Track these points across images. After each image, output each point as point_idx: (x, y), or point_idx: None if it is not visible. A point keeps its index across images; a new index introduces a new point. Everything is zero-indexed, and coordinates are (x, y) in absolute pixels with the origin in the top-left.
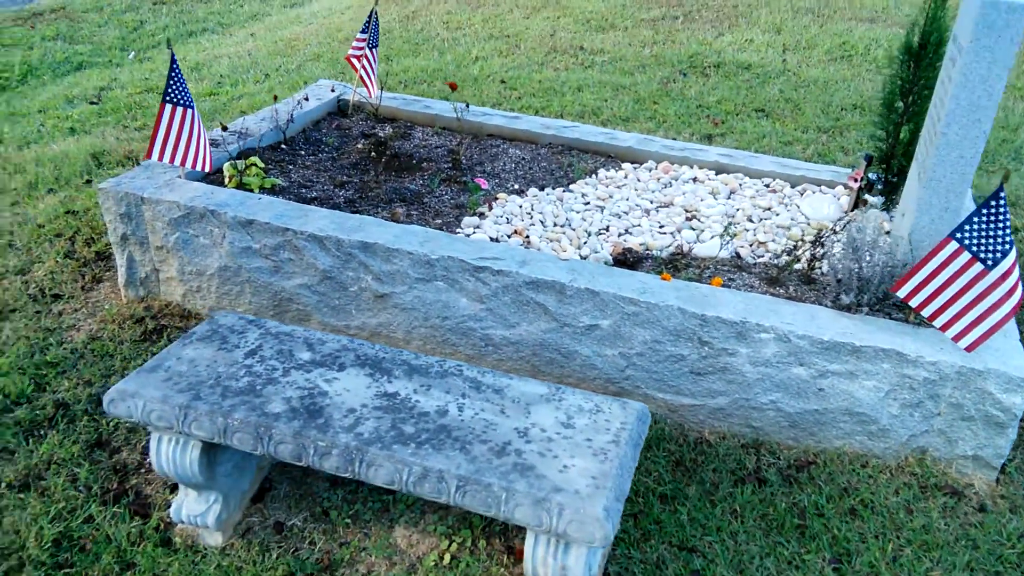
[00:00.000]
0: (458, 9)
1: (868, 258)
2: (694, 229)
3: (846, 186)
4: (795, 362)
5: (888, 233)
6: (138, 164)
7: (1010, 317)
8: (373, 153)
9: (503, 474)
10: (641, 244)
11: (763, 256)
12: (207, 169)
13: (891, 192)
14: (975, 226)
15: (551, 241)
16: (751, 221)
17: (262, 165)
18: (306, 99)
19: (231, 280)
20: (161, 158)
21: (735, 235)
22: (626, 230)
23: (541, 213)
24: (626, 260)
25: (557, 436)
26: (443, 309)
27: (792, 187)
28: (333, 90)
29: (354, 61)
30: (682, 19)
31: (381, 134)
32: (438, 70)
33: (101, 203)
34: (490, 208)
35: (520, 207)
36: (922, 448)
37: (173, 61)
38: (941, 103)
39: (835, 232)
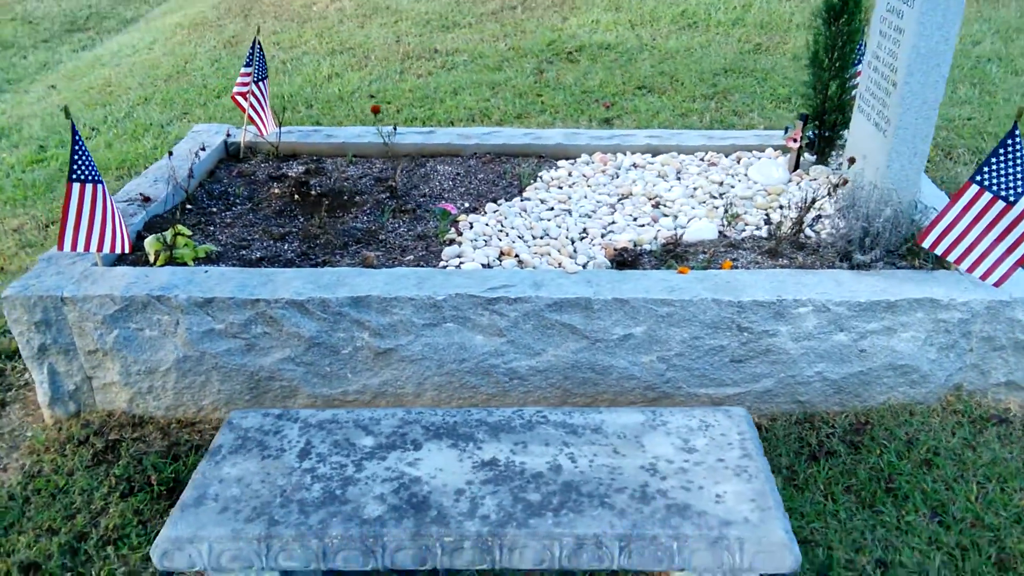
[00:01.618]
0: (283, 27)
1: (879, 214)
2: (667, 216)
3: (784, 148)
4: (835, 329)
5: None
6: (18, 261)
7: None
8: (296, 196)
9: (662, 521)
10: (630, 241)
11: (744, 230)
12: (127, 250)
13: (826, 147)
14: (993, 166)
15: (542, 256)
16: (714, 197)
17: (189, 232)
18: (202, 149)
19: (192, 371)
20: (75, 246)
21: (736, 216)
22: (606, 230)
23: (514, 228)
24: (624, 260)
25: (687, 464)
26: (459, 352)
27: (726, 157)
28: (229, 134)
29: (239, 99)
30: (520, 9)
31: (291, 173)
32: (295, 95)
33: (6, 314)
34: (459, 233)
35: (487, 225)
36: (958, 385)
37: (75, 132)
38: (891, 54)
39: (830, 194)
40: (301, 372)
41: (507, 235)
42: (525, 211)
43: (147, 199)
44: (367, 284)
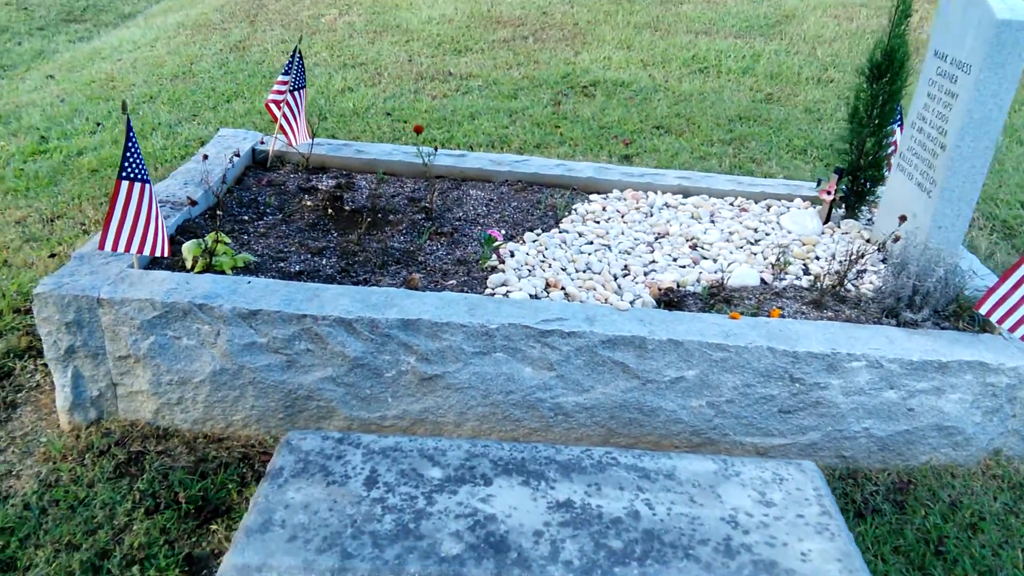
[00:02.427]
0: (291, 36)
1: (931, 274)
2: (706, 258)
3: (814, 199)
4: (886, 386)
5: (869, 241)
6: (53, 256)
7: None
8: (330, 210)
9: None
10: (674, 282)
11: (784, 279)
12: (167, 254)
13: (857, 202)
14: None
15: (588, 290)
16: (751, 243)
17: (228, 240)
18: (236, 155)
19: (227, 385)
20: (116, 247)
21: (788, 264)
22: (647, 268)
23: (556, 259)
24: (670, 301)
25: (767, 518)
26: (506, 383)
27: (755, 203)
28: (263, 142)
29: (273, 108)
30: (532, 39)
31: (322, 187)
32: (308, 105)
33: (36, 312)
34: (501, 261)
35: (528, 255)
36: (997, 449)
37: (129, 128)
38: (940, 117)
39: (879, 249)
40: (340, 393)
41: (550, 266)
42: (565, 243)
43: (194, 202)
44: (418, 307)
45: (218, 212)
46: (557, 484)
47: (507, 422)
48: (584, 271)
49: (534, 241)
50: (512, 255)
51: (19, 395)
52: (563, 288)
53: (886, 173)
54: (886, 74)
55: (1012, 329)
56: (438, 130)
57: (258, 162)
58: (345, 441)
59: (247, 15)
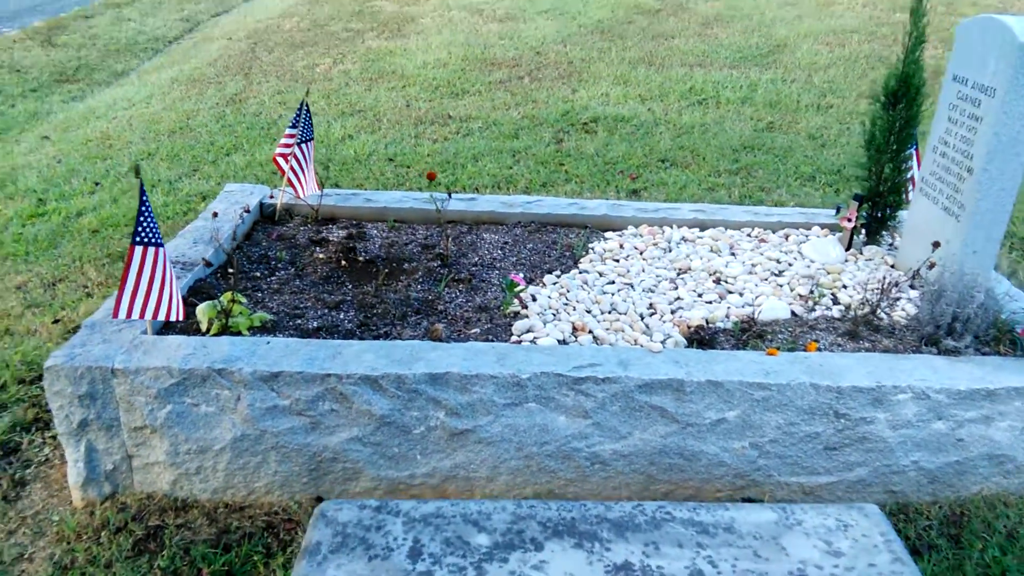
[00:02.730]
0: (287, 87)
1: (971, 299)
2: (731, 292)
3: (834, 227)
4: (934, 417)
5: (893, 267)
6: (56, 322)
7: None
8: (343, 262)
9: None
10: (703, 319)
11: (815, 310)
12: (181, 317)
13: (878, 228)
14: None
15: (615, 332)
16: (776, 275)
17: (243, 299)
18: (247, 210)
19: (249, 451)
20: (130, 314)
21: (822, 296)
22: (673, 305)
23: (580, 302)
24: (702, 339)
25: (837, 569)
26: (540, 434)
27: (773, 233)
28: (272, 196)
29: (280, 161)
30: (528, 79)
31: (332, 238)
32: None
33: (48, 386)
34: (523, 306)
35: (550, 298)
36: None
37: (142, 192)
38: (965, 141)
39: (914, 276)
40: (367, 453)
41: (574, 309)
42: (586, 284)
43: (209, 264)
44: (445, 360)
45: (230, 270)
46: (612, 545)
47: (542, 474)
48: (609, 312)
49: (554, 283)
50: (534, 299)
51: (28, 471)
52: (590, 331)
53: (905, 198)
54: (902, 100)
55: None
56: (443, 173)
57: (266, 216)
58: (383, 510)
59: (241, 68)
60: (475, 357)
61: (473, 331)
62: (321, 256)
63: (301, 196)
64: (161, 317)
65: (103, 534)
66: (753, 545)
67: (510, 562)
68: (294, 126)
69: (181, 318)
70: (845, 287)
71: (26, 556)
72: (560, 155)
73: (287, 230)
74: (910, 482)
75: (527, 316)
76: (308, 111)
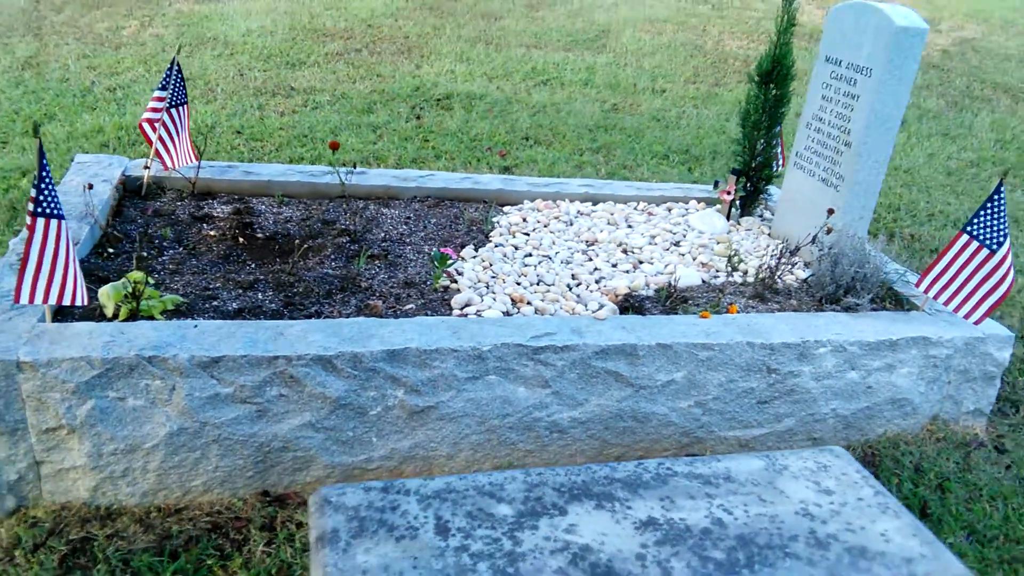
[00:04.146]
0: (93, 51)
1: (868, 260)
2: (642, 262)
3: (709, 200)
4: (849, 368)
5: (769, 235)
6: None
7: (1007, 294)
8: (240, 239)
9: (852, 566)
10: (627, 287)
11: (718, 277)
12: (86, 302)
13: (751, 200)
14: (981, 218)
15: (552, 303)
16: (676, 244)
17: (148, 280)
18: (90, 186)
19: (186, 447)
20: (32, 298)
21: (740, 262)
22: (594, 276)
23: (507, 274)
24: (631, 306)
25: (833, 506)
26: (502, 406)
27: (657, 206)
28: (147, 167)
29: (147, 128)
30: (366, 52)
31: (217, 214)
32: (132, 127)
33: None
34: (452, 280)
35: (475, 271)
36: (935, 415)
37: (42, 155)
38: (840, 117)
39: (813, 241)
40: (320, 440)
41: (503, 282)
42: (507, 257)
43: (76, 242)
44: (399, 336)
45: (109, 249)
46: (631, 503)
47: (502, 447)
48: (538, 284)
49: (473, 257)
50: (460, 273)
51: None
52: (528, 303)
53: (776, 171)
54: (774, 80)
55: (947, 302)
56: (302, 148)
57: (130, 190)
58: (391, 490)
59: (28, 28)
60: (430, 331)
61: (408, 307)
62: (213, 233)
63: (171, 167)
64: (66, 301)
65: (17, 554)
66: (755, 491)
67: (541, 528)
68: (163, 88)
69: (85, 302)
70: (736, 254)
71: None
72: (423, 131)
73: (162, 205)
74: (829, 429)
75: (459, 290)
76: (180, 71)
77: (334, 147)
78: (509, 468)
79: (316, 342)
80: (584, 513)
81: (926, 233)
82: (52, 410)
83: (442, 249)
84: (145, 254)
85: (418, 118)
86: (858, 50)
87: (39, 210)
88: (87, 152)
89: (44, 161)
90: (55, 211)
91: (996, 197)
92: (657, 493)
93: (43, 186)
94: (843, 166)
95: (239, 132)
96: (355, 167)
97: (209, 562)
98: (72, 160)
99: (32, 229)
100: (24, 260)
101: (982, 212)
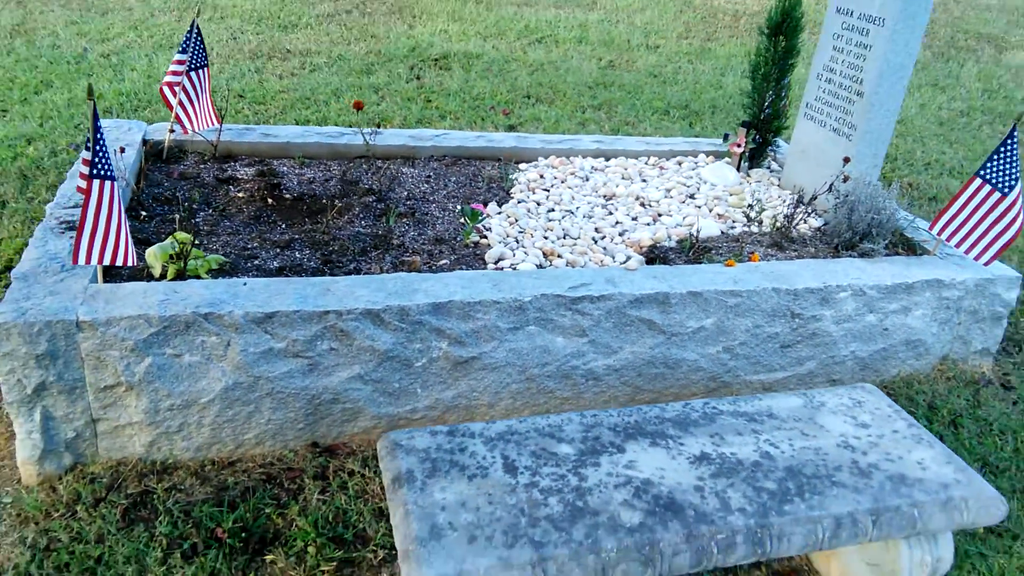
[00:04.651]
0: (80, 17)
1: (884, 207)
2: (661, 214)
3: (717, 153)
4: (867, 311)
5: (779, 185)
6: None
7: (1016, 235)
8: (269, 200)
9: (894, 492)
10: (650, 239)
11: (735, 227)
12: (134, 263)
13: (761, 152)
14: (994, 162)
15: (581, 255)
16: (692, 197)
17: (192, 240)
18: (121, 150)
19: (240, 400)
20: (88, 259)
21: (763, 211)
22: (616, 228)
23: (534, 229)
24: (656, 257)
25: (871, 438)
26: (542, 355)
27: (667, 160)
28: (172, 131)
29: (167, 92)
30: (356, 12)
31: (241, 176)
32: (139, 92)
33: None
34: (482, 235)
35: (502, 226)
36: (945, 355)
37: (96, 117)
38: (853, 67)
39: (830, 189)
40: (368, 391)
41: (531, 236)
42: (531, 212)
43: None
44: (442, 289)
45: (141, 212)
46: (683, 440)
47: (541, 395)
48: (564, 237)
49: (499, 213)
50: (488, 229)
51: None
52: (559, 255)
53: (796, 122)
54: (783, 31)
55: (958, 244)
56: (307, 110)
57: (150, 155)
58: (457, 433)
59: None
60: (471, 285)
61: (442, 262)
62: (241, 195)
63: (192, 130)
64: (119, 261)
65: (79, 509)
66: (797, 426)
67: (603, 465)
68: (184, 51)
69: (134, 263)
70: (751, 206)
71: None
72: (425, 91)
73: (186, 168)
74: (847, 371)
75: (489, 245)
76: (199, 34)
77: (358, 107)
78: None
79: (363, 296)
80: (640, 450)
81: (923, 182)
82: (111, 368)
83: (472, 205)
84: (177, 216)
85: (418, 78)
86: (871, 1)
87: (94, 172)
88: (75, 120)
89: (98, 124)
90: (108, 172)
91: (1009, 142)
92: (706, 431)
93: (98, 148)
94: (855, 115)
95: (241, 96)
96: (379, 127)
97: (267, 510)
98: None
99: (88, 192)
100: (81, 222)
101: (995, 156)
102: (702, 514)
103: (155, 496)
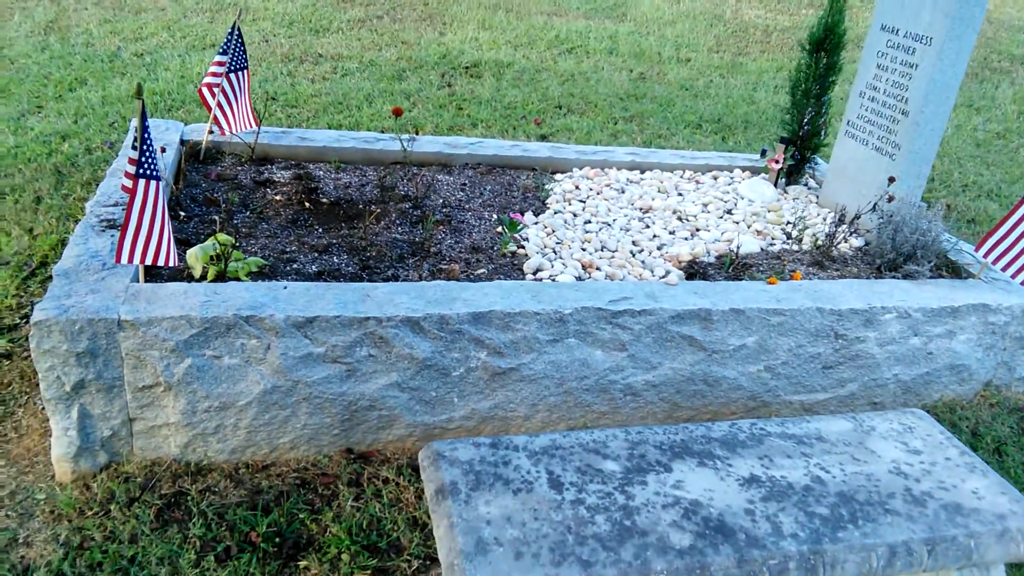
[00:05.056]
0: (114, 16)
1: (929, 229)
2: (699, 229)
3: (753, 169)
4: (911, 334)
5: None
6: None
7: None
8: (307, 203)
9: (949, 521)
10: (689, 254)
11: (774, 244)
12: (175, 263)
13: (799, 169)
14: None
15: (619, 268)
16: (729, 212)
17: (233, 242)
18: (163, 150)
19: (278, 404)
20: (131, 259)
21: (805, 230)
22: (653, 242)
23: (572, 241)
24: (695, 272)
25: (924, 465)
26: (581, 368)
27: (702, 175)
28: (211, 132)
29: (206, 93)
30: (387, 19)
31: (278, 179)
32: (173, 91)
33: (36, 344)
34: (519, 246)
35: (540, 237)
36: (989, 381)
37: (144, 117)
38: (897, 86)
39: (874, 208)
40: (405, 399)
41: (569, 247)
42: (567, 223)
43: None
44: (482, 299)
45: (180, 213)
46: (731, 461)
47: (578, 408)
48: (601, 250)
49: (535, 223)
50: (526, 239)
51: None
52: (597, 268)
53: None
54: (825, 48)
55: (1005, 268)
56: (339, 115)
57: (189, 155)
58: (500, 446)
59: None
60: (511, 295)
61: (479, 271)
62: (279, 198)
63: (229, 132)
64: (161, 261)
65: (112, 508)
66: (847, 451)
67: (650, 484)
68: (224, 53)
69: (175, 263)
70: (790, 223)
71: (20, 540)
72: (456, 99)
73: (223, 170)
74: (889, 394)
75: (527, 255)
76: (240, 36)
77: (397, 113)
78: (582, 429)
79: (403, 304)
80: (688, 470)
81: (961, 204)
82: (150, 368)
83: (511, 215)
84: (218, 217)
85: (449, 85)
86: (917, 18)
87: (140, 171)
88: (126, 117)
89: (146, 123)
90: (155, 172)
91: None
92: (755, 452)
93: (145, 147)
94: (900, 135)
95: (273, 99)
96: (416, 133)
97: (301, 515)
98: (129, 124)
99: (133, 191)
100: (125, 221)
101: None
102: (753, 538)
103: (189, 497)
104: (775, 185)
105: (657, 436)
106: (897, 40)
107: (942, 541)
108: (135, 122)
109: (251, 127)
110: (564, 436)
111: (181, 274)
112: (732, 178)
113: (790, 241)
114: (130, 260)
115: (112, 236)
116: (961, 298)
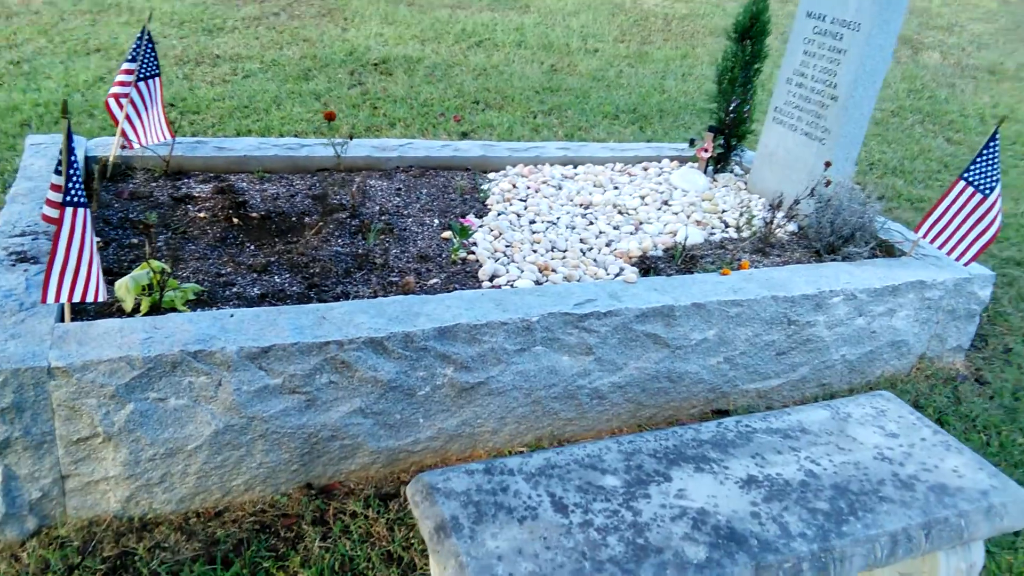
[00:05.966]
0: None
1: (865, 211)
2: (641, 222)
3: (681, 158)
4: (857, 314)
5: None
6: None
7: (995, 237)
8: (235, 219)
9: (938, 503)
10: (639, 250)
11: (714, 234)
12: (103, 297)
13: (726, 157)
14: (977, 164)
15: (575, 268)
16: (667, 204)
17: (166, 269)
18: (105, 166)
19: (231, 445)
20: (58, 297)
21: (752, 218)
22: (600, 239)
23: (522, 243)
24: (648, 267)
25: (903, 448)
26: (548, 376)
27: (633, 167)
28: (123, 147)
29: (112, 105)
30: (284, 15)
31: (198, 193)
32: (58, 101)
33: None
34: (469, 252)
35: (488, 241)
36: (923, 354)
37: (70, 138)
38: (826, 72)
39: (812, 193)
40: (368, 425)
41: (519, 250)
42: (512, 225)
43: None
44: (445, 312)
45: (102, 242)
46: (726, 463)
47: (545, 417)
48: (551, 250)
49: (480, 226)
50: (475, 244)
51: None
52: (553, 270)
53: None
54: (751, 35)
55: (941, 246)
56: (247, 119)
57: (96, 172)
58: (494, 471)
59: None
60: (475, 306)
61: (432, 281)
62: (203, 215)
63: (138, 144)
64: (89, 297)
65: None
66: (831, 440)
67: (653, 496)
68: (132, 60)
69: (103, 297)
70: (725, 211)
71: None
72: (370, 98)
73: (136, 187)
74: (836, 374)
75: (477, 261)
76: (151, 41)
77: (330, 117)
78: (550, 438)
79: (364, 324)
80: (687, 477)
81: (869, 182)
82: (86, 418)
83: (461, 220)
84: (136, 241)
85: (360, 84)
86: (844, 5)
87: (67, 199)
88: (8, 133)
89: (72, 146)
90: (80, 199)
91: (991, 144)
92: (746, 451)
93: (71, 172)
94: (829, 120)
95: (172, 105)
96: (351, 138)
97: (265, 564)
98: (25, 142)
99: (60, 221)
100: (52, 255)
101: (978, 159)
102: (765, 543)
103: (137, 557)
104: (704, 173)
105: (649, 443)
106: (824, 27)
107: (936, 524)
108: (33, 137)
109: (164, 138)
110: (558, 453)
111: (110, 308)
112: (662, 168)
113: (729, 229)
114: (56, 299)
115: (25, 270)
116: (900, 276)
